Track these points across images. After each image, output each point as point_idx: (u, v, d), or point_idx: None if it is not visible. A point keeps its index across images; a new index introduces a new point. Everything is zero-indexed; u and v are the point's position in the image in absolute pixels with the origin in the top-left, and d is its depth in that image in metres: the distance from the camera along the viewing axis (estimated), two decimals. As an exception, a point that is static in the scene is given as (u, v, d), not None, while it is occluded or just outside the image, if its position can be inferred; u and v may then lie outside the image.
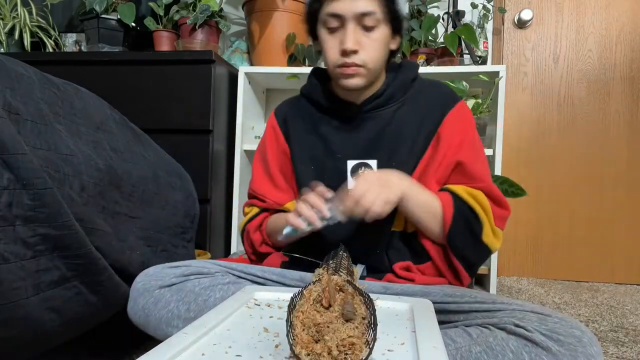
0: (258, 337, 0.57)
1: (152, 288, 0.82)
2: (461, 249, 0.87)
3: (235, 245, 1.86)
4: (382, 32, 0.88)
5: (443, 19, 2.05)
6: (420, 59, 1.90)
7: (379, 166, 0.92)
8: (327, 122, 0.99)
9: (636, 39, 2.08)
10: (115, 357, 1.04)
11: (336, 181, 0.92)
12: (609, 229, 2.10)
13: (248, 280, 0.87)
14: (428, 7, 2.00)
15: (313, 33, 0.94)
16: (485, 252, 0.89)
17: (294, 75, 1.87)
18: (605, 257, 2.11)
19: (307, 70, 1.85)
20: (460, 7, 1.98)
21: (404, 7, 0.92)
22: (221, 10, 1.97)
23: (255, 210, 1.05)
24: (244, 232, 1.07)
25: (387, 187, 0.81)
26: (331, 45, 0.89)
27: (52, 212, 0.72)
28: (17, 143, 0.69)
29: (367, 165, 0.93)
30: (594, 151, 2.11)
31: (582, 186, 2.12)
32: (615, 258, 2.10)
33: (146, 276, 0.85)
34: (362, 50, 0.87)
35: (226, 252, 1.90)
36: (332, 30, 0.88)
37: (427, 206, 0.87)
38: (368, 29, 0.86)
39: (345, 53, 0.87)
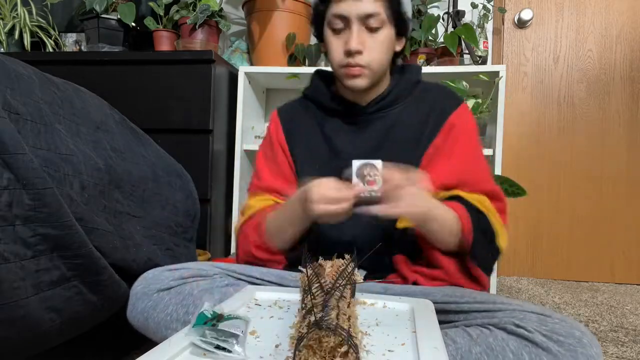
0: (259, 337, 0.57)
1: (150, 292, 0.82)
2: (483, 259, 0.87)
3: (235, 245, 1.86)
4: (386, 33, 0.89)
5: (443, 19, 2.05)
6: (420, 59, 1.90)
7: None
8: (332, 123, 0.99)
9: (636, 39, 2.08)
10: (115, 357, 1.04)
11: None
12: (609, 229, 2.10)
13: (247, 282, 0.87)
14: (428, 7, 2.00)
15: (319, 34, 0.95)
16: (498, 254, 0.91)
17: (294, 75, 1.87)
18: (605, 257, 2.11)
19: (307, 70, 1.86)
20: (460, 7, 1.98)
21: (408, 9, 0.92)
22: (221, 10, 1.97)
23: (262, 204, 0.97)
24: (240, 233, 0.98)
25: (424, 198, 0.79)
26: (336, 46, 0.90)
27: (52, 212, 0.72)
28: (17, 143, 0.69)
29: (372, 165, 0.93)
30: (594, 151, 2.11)
31: (582, 186, 2.12)
32: (615, 258, 2.10)
33: (145, 280, 0.84)
34: (366, 51, 0.87)
35: (226, 252, 1.90)
36: (337, 31, 0.89)
37: (449, 227, 0.84)
38: (372, 30, 0.87)
39: (349, 53, 0.87)
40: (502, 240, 0.89)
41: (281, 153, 1.02)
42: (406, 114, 0.96)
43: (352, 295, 0.67)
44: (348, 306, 0.57)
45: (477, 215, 0.86)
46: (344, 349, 0.44)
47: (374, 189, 0.90)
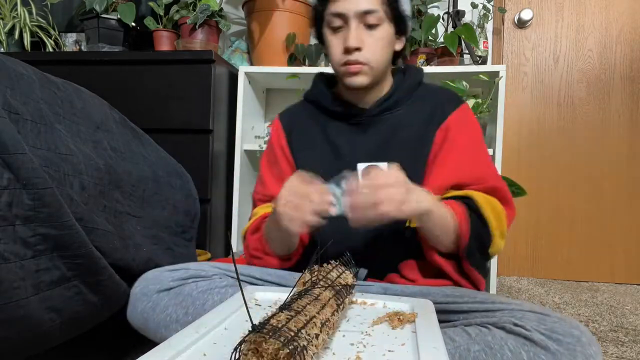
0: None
1: (150, 292, 0.82)
2: (475, 261, 0.86)
3: (235, 245, 1.86)
4: (385, 30, 0.90)
5: (443, 19, 2.05)
6: (421, 59, 1.90)
7: None
8: (335, 126, 0.99)
9: (636, 39, 2.08)
10: (115, 357, 1.04)
11: None
12: (609, 229, 2.10)
13: (247, 282, 0.87)
14: (428, 7, 2.00)
15: (320, 36, 0.97)
16: (490, 258, 0.91)
17: (294, 75, 1.87)
18: (605, 257, 2.11)
19: (307, 70, 1.86)
20: (460, 7, 1.98)
21: (407, 8, 0.94)
22: (221, 10, 1.97)
23: (265, 211, 0.97)
24: (244, 238, 1.01)
25: (412, 193, 0.73)
26: (335, 44, 0.91)
27: (52, 212, 0.72)
28: (17, 143, 0.69)
29: (378, 168, 0.91)
30: (594, 151, 2.11)
31: (582, 186, 2.12)
32: (615, 258, 2.10)
33: (145, 280, 0.84)
34: (365, 47, 0.89)
35: (226, 252, 1.90)
36: (335, 30, 0.91)
37: (446, 225, 0.82)
38: (371, 27, 0.89)
39: (348, 51, 0.89)
40: (495, 247, 0.86)
41: (284, 159, 1.02)
42: (409, 115, 0.96)
43: (346, 296, 0.66)
44: (323, 308, 0.55)
45: (476, 220, 0.84)
46: (286, 351, 0.43)
47: None
